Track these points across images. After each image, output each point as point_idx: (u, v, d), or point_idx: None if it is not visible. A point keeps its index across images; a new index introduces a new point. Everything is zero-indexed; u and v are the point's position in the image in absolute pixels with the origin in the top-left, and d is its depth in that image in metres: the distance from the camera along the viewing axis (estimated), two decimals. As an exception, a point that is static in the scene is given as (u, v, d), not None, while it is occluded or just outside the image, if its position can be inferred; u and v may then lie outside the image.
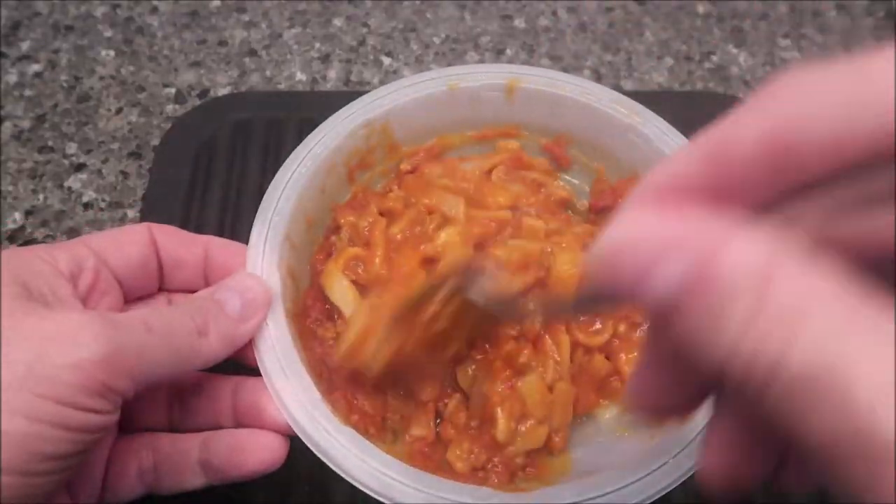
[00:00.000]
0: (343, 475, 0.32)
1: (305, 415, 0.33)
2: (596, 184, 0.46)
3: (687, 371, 0.20)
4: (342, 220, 0.42)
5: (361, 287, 0.39)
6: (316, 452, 0.32)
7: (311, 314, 0.39)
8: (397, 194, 0.43)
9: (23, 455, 0.26)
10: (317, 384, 0.34)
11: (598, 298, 0.20)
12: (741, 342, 0.15)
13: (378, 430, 0.37)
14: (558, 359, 0.37)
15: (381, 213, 0.42)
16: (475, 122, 0.46)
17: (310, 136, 0.41)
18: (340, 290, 0.39)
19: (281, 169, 0.40)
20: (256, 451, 0.33)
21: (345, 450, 0.32)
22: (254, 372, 0.35)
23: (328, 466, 0.32)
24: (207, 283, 0.37)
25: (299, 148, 0.41)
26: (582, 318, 0.38)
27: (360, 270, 0.39)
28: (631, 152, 0.44)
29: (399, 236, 0.40)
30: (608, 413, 0.39)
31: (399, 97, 0.43)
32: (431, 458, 0.36)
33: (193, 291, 0.36)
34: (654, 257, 0.16)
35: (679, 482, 0.32)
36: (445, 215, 0.40)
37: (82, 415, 0.27)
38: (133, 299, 0.36)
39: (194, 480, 0.34)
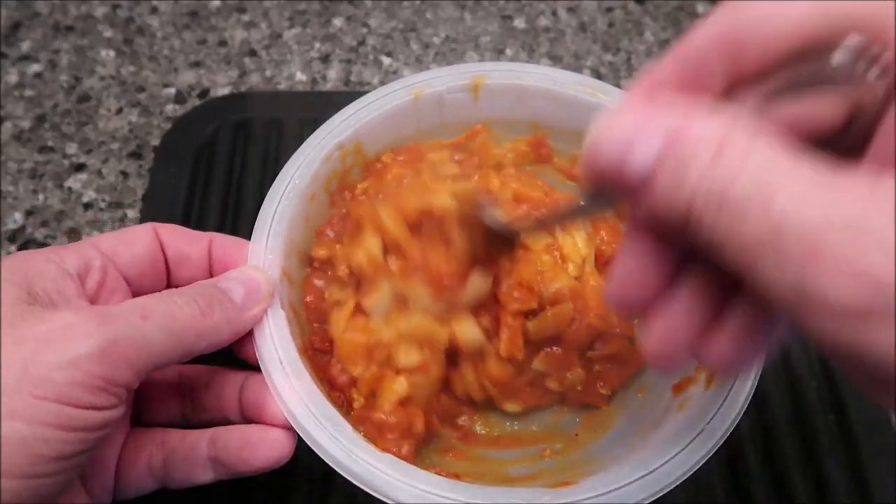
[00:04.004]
0: (390, 501, 0.31)
1: (342, 450, 0.32)
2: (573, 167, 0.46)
3: (659, 248, 0.24)
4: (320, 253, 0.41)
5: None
6: (359, 484, 0.32)
7: (322, 355, 0.39)
8: (363, 187, 0.43)
9: (25, 459, 0.26)
10: (346, 417, 0.34)
11: (596, 195, 0.25)
12: (699, 187, 0.19)
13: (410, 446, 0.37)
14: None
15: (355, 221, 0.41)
16: (444, 126, 0.45)
17: (286, 166, 0.40)
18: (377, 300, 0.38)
19: (264, 203, 0.39)
20: (264, 447, 0.33)
21: (387, 476, 0.32)
22: (258, 368, 0.35)
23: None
24: (211, 277, 0.37)
25: (277, 181, 0.40)
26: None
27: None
28: None
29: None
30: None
31: (366, 114, 0.43)
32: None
33: None
34: (634, 135, 0.20)
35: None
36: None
37: (84, 413, 0.27)
38: None
39: (204, 475, 0.35)
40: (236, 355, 0.36)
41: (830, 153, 0.21)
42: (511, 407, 0.40)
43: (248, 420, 0.35)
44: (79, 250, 0.33)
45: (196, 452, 0.34)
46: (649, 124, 0.20)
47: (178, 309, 0.31)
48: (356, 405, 0.37)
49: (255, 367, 0.36)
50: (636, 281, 0.25)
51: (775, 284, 0.18)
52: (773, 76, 0.21)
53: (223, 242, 0.37)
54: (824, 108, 0.21)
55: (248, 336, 0.35)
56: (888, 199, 0.17)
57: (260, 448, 0.33)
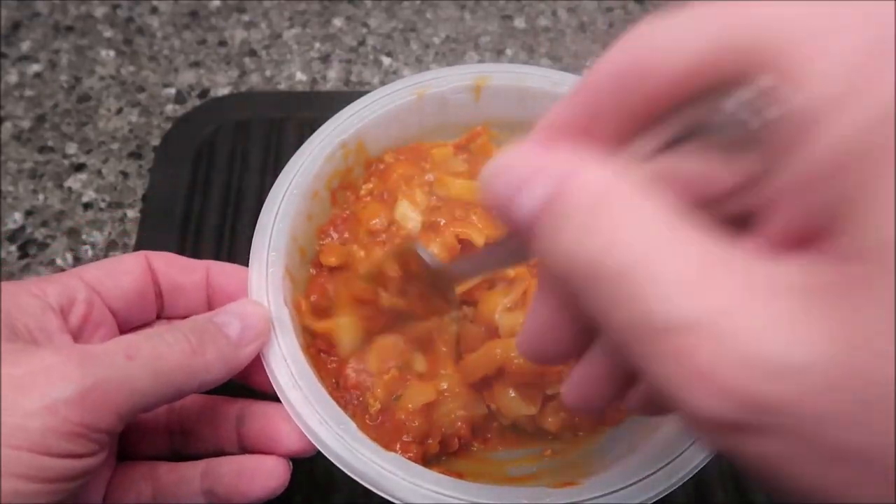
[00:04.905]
0: (395, 501, 0.31)
1: (347, 449, 0.32)
2: None
3: (563, 308, 0.22)
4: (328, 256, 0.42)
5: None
6: (365, 484, 0.32)
7: (325, 356, 0.40)
8: (368, 189, 0.44)
9: None
10: (351, 417, 0.34)
11: (499, 243, 0.23)
12: (574, 249, 0.17)
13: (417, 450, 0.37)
14: None
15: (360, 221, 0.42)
16: (446, 127, 0.46)
17: (289, 164, 0.40)
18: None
19: (267, 201, 0.39)
20: (261, 477, 0.32)
21: (394, 476, 0.32)
22: (258, 395, 0.35)
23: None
24: (211, 309, 0.35)
25: (280, 178, 0.40)
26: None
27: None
28: None
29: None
30: None
31: (369, 113, 0.43)
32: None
33: None
34: (522, 179, 0.19)
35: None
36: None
37: (61, 462, 0.25)
38: (130, 329, 0.35)
39: None
40: (234, 380, 0.35)
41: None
42: (554, 427, 0.40)
43: (249, 451, 0.34)
44: (62, 282, 0.32)
45: (189, 486, 0.33)
46: (543, 168, 0.19)
47: (167, 348, 0.29)
48: (372, 409, 0.37)
49: (252, 395, 0.35)
50: (548, 336, 0.23)
51: (650, 380, 0.16)
52: (665, 122, 0.18)
53: (222, 270, 0.36)
54: (727, 168, 0.18)
55: (250, 362, 0.33)
56: (760, 295, 0.15)
57: (257, 478, 0.32)
